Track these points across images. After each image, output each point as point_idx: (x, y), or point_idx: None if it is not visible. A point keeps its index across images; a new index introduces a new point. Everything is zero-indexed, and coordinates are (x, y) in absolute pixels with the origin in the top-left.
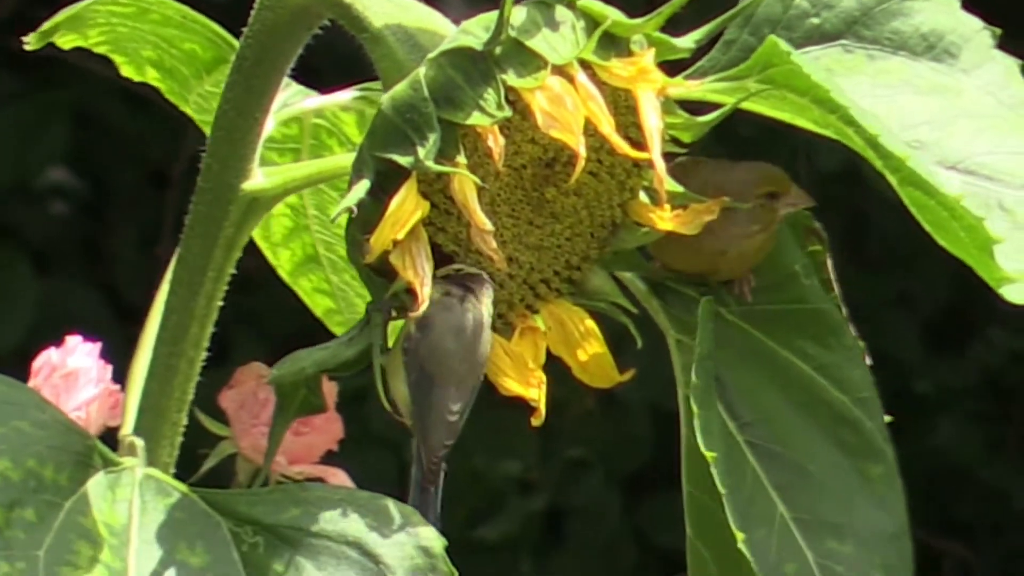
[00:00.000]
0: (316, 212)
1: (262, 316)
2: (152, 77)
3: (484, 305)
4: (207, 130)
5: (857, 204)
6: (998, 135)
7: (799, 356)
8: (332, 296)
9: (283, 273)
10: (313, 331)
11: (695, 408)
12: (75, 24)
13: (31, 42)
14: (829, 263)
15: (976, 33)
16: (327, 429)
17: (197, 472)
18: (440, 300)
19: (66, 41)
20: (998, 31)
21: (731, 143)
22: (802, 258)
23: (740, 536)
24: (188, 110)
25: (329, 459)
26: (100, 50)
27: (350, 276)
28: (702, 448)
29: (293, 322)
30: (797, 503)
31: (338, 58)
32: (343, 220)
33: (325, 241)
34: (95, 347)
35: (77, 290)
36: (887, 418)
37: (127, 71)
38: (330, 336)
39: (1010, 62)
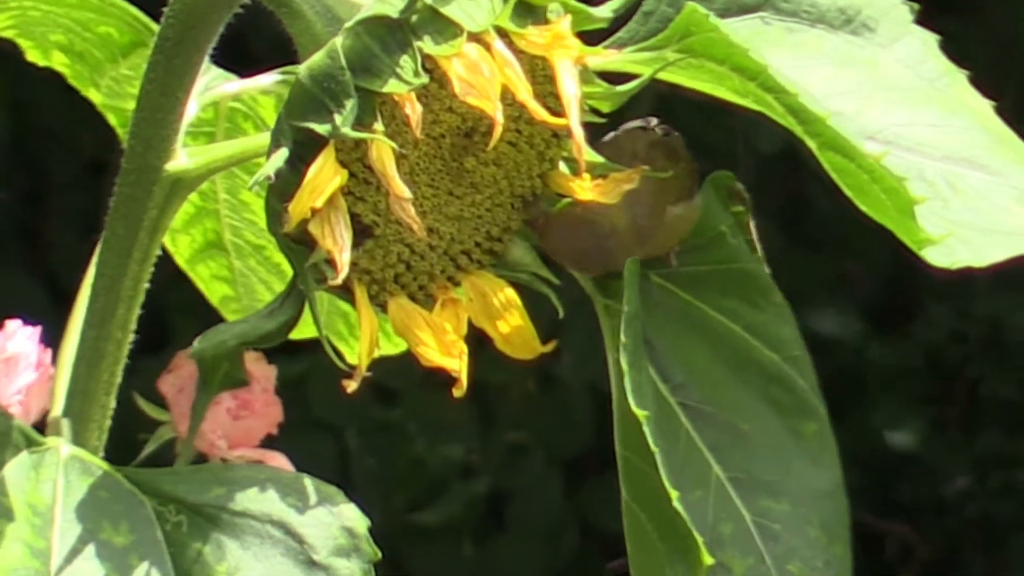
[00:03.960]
0: (227, 196)
1: (203, 303)
2: (58, 61)
3: None
4: (111, 117)
5: (796, 185)
6: (917, 107)
7: (728, 316)
8: (232, 283)
9: (180, 260)
10: None
11: (625, 367)
12: None
13: None
14: (752, 224)
15: (893, 7)
16: (266, 413)
17: (137, 457)
18: None
19: None
20: (916, 6)
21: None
22: (727, 218)
23: (674, 495)
24: (93, 95)
25: (269, 443)
26: (6, 34)
27: (255, 262)
28: (633, 407)
29: None
30: (731, 462)
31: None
32: (255, 205)
33: (233, 226)
34: (35, 331)
35: (16, 277)
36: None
37: (32, 55)
38: None
39: (928, 36)
